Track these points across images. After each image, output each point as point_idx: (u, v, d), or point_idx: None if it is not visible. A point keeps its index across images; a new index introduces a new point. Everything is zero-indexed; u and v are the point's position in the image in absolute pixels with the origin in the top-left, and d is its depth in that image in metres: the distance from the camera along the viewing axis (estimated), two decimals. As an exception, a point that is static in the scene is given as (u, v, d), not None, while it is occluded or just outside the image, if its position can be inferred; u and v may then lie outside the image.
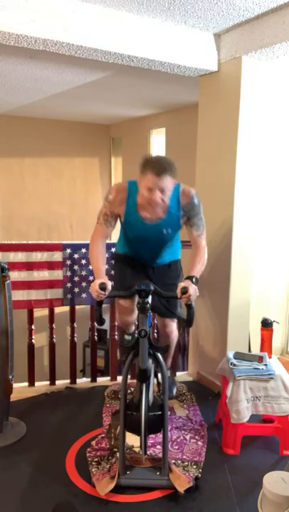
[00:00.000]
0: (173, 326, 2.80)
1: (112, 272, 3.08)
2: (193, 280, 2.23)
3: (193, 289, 2.17)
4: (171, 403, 3.01)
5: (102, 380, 3.46)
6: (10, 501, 2.11)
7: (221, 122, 3.09)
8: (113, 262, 3.08)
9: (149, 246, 2.54)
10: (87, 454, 2.43)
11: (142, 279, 2.44)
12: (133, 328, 2.82)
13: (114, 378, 3.45)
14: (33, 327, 3.30)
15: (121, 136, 7.37)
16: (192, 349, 3.58)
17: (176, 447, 2.52)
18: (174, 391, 3.07)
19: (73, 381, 3.39)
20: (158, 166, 2.21)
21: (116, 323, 3.33)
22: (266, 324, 2.74)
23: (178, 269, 2.71)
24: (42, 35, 2.47)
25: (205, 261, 2.41)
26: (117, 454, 2.36)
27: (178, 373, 3.58)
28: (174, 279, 2.56)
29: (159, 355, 2.29)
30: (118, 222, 2.53)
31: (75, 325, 3.39)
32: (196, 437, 2.63)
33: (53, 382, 3.36)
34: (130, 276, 2.60)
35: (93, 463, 2.35)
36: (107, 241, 2.51)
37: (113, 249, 3.02)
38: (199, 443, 2.57)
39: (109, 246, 3.09)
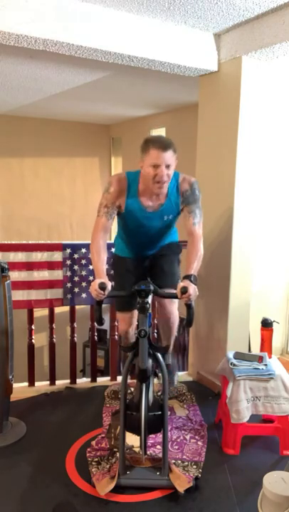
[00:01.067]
0: (173, 308, 2.73)
1: (112, 272, 3.08)
2: (192, 279, 2.21)
3: (192, 289, 2.16)
4: (171, 403, 3.01)
5: (102, 380, 3.46)
6: (10, 501, 2.10)
7: (221, 122, 3.09)
8: (112, 262, 3.08)
9: (149, 235, 2.54)
10: (87, 454, 2.43)
11: (142, 279, 2.43)
12: (132, 340, 2.77)
13: (114, 378, 3.45)
14: (33, 327, 3.30)
15: (121, 136, 7.37)
16: (192, 349, 3.58)
17: (176, 447, 2.52)
18: (175, 379, 3.01)
19: (73, 381, 3.39)
20: (161, 142, 2.26)
21: (116, 333, 3.34)
22: (266, 324, 2.74)
23: (175, 246, 2.71)
24: (42, 35, 2.47)
25: (201, 255, 2.39)
26: (117, 454, 2.36)
27: (178, 373, 3.57)
28: (173, 253, 2.59)
29: (159, 355, 2.29)
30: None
31: (75, 325, 3.39)
32: (196, 437, 2.63)
33: (53, 382, 3.36)
34: (130, 281, 2.57)
35: (93, 463, 2.35)
36: (107, 241, 2.51)
37: (113, 250, 3.02)
38: (199, 443, 2.57)
39: (109, 246, 3.09)
